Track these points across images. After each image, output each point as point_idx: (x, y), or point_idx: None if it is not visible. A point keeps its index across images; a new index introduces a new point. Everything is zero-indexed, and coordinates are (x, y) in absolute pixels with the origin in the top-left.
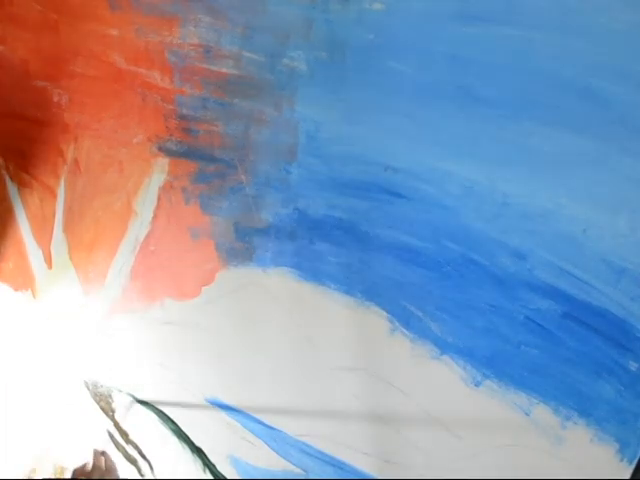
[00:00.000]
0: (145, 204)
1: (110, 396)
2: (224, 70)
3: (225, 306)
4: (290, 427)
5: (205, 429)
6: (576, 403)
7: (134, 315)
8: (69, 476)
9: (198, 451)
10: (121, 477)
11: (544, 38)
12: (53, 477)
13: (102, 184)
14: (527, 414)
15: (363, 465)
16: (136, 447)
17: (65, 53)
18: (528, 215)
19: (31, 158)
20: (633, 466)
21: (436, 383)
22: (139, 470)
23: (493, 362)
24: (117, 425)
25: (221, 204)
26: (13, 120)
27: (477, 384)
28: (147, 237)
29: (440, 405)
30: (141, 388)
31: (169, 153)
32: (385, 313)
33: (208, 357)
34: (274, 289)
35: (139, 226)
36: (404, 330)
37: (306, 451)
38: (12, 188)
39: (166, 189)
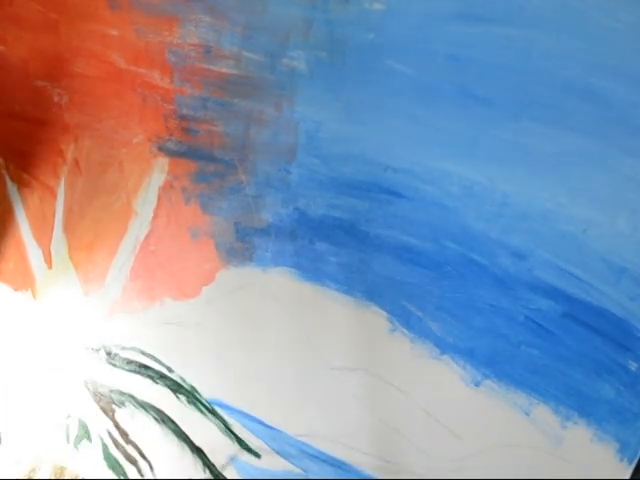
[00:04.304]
0: (145, 204)
1: (110, 396)
2: (224, 70)
3: (225, 306)
4: (290, 427)
5: (205, 429)
6: (576, 403)
7: (134, 315)
8: (69, 476)
9: (198, 451)
10: (122, 477)
11: (544, 38)
12: (53, 477)
13: (102, 184)
14: (527, 414)
15: (363, 465)
16: (136, 447)
17: (65, 53)
18: (528, 215)
19: (31, 158)
20: (633, 466)
21: (436, 383)
22: (139, 470)
23: (493, 362)
24: (117, 425)
25: (221, 204)
26: (13, 120)
27: (477, 384)
28: (147, 237)
29: (440, 405)
30: (141, 388)
31: (169, 153)
32: (385, 313)
33: (208, 357)
34: (274, 289)
35: (139, 226)
36: (404, 330)
37: (306, 451)
38: (12, 188)
39: (166, 189)
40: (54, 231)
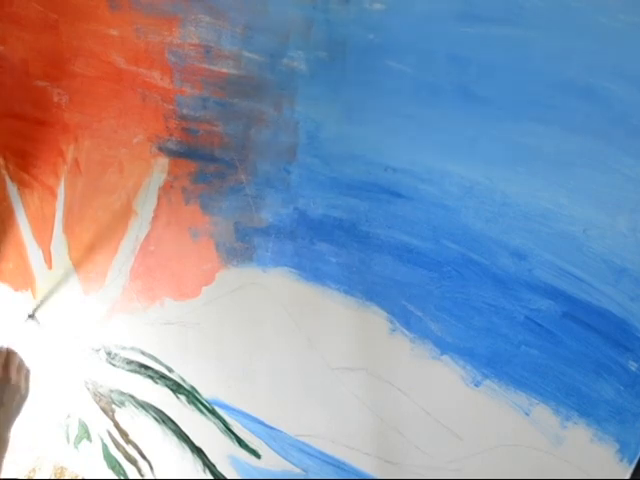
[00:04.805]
0: (145, 204)
1: (110, 396)
2: (224, 70)
3: (225, 306)
4: (290, 427)
5: (205, 429)
6: (576, 403)
7: (134, 315)
8: (69, 476)
9: (198, 451)
10: (122, 477)
11: (544, 38)
12: (53, 477)
13: (102, 184)
14: (527, 414)
15: (363, 465)
16: (136, 447)
17: (65, 53)
18: (528, 215)
19: (31, 158)
20: (633, 466)
21: (436, 383)
22: (139, 470)
23: (493, 362)
24: (117, 425)
25: (221, 204)
26: (13, 120)
27: (477, 384)
28: (147, 237)
29: (440, 405)
30: (141, 388)
31: (169, 153)
32: (385, 313)
33: (208, 357)
34: (274, 289)
35: (139, 226)
36: (404, 330)
37: (306, 451)
38: (12, 188)
39: (166, 189)
40: (54, 231)
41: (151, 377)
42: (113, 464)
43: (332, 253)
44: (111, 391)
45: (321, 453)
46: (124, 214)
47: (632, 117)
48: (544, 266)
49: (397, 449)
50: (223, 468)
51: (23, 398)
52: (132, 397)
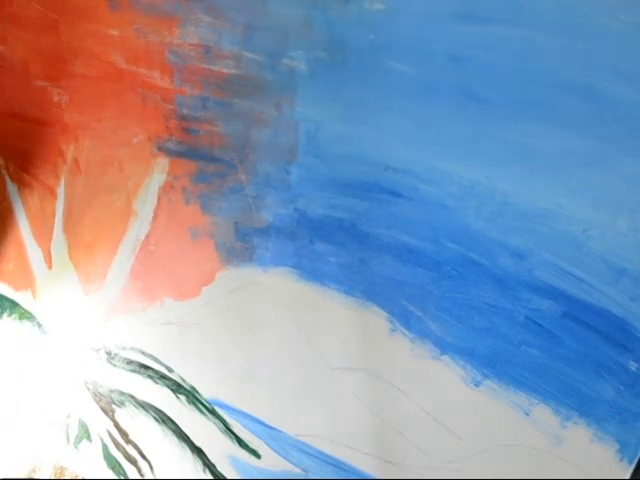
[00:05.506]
0: (145, 204)
1: (110, 396)
2: (224, 70)
3: (225, 306)
4: (290, 427)
5: (205, 429)
6: (576, 403)
7: (134, 315)
8: (69, 476)
9: (198, 451)
10: (122, 477)
11: (544, 38)
12: (53, 477)
13: (102, 184)
14: (527, 414)
15: (363, 465)
16: (136, 447)
17: (65, 53)
18: (528, 215)
19: (31, 158)
20: (633, 466)
21: (436, 383)
22: (139, 470)
23: (493, 362)
24: (117, 425)
25: (221, 204)
26: (13, 120)
27: (477, 384)
28: (147, 237)
29: (440, 405)
30: (141, 388)
31: (169, 153)
32: (385, 313)
33: (208, 357)
34: (274, 289)
35: (139, 226)
36: (404, 330)
37: (306, 451)
38: (12, 188)
39: (166, 189)
40: (54, 231)
41: (151, 377)
42: (113, 464)
43: (332, 253)
44: (111, 391)
45: (321, 453)
46: (124, 214)
47: (632, 117)
48: (544, 266)
49: (397, 449)
50: (223, 468)
51: None
52: (132, 397)
